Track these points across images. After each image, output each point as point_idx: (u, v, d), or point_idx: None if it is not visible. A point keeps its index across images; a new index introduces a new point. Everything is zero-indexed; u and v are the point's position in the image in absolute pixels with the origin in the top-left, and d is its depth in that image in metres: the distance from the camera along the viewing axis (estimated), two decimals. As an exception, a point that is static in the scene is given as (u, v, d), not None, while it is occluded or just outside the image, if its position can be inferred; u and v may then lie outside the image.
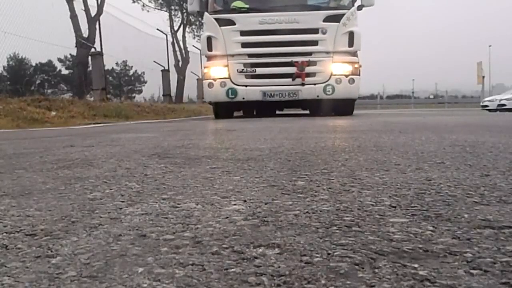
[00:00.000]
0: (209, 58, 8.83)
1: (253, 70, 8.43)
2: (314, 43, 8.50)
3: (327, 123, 4.77)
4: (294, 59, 8.36)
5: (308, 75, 8.41)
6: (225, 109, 9.11)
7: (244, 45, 8.49)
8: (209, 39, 8.60)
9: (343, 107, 8.75)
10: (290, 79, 8.35)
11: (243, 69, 8.42)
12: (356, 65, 8.60)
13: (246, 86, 8.40)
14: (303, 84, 8.33)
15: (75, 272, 0.58)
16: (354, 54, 8.75)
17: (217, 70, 8.55)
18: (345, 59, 8.53)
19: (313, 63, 8.44)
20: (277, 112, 12.58)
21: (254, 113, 11.91)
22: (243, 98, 8.42)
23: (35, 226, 0.81)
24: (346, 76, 8.45)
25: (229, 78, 8.46)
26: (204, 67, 8.87)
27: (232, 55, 8.48)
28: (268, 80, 8.39)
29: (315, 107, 10.69)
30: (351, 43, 8.54)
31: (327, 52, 8.51)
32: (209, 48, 8.64)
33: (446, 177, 1.22)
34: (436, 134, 2.81)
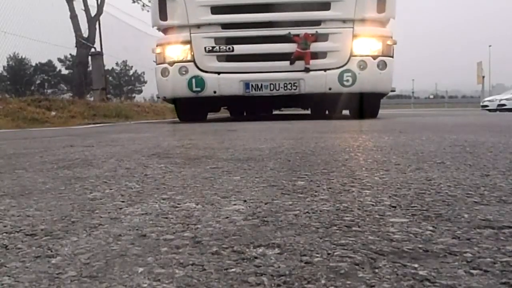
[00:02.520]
0: (163, 31, 6.04)
1: (229, 49, 5.57)
2: (325, 6, 5.56)
3: (330, 124, 4.76)
4: (294, 31, 5.49)
5: (315, 55, 5.55)
6: (191, 109, 6.20)
7: (216, 10, 5.60)
8: (162, 1, 5.68)
9: (366, 105, 5.81)
10: (287, 63, 5.51)
11: (213, 47, 5.58)
12: (389, 41, 5.61)
13: (218, 73, 5.57)
14: (307, 70, 5.48)
15: (75, 272, 0.58)
16: (386, 23, 5.80)
17: (175, 50, 5.70)
18: (373, 32, 5.57)
19: (323, 37, 5.56)
20: (274, 112, 10.38)
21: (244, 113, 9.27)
22: (215, 92, 5.57)
23: (35, 226, 0.81)
24: (374, 57, 5.50)
25: (193, 61, 5.60)
26: (156, 46, 5.87)
27: (198, 26, 5.60)
28: (253, 64, 5.51)
29: (322, 105, 8.16)
30: (381, 7, 5.54)
31: (345, 21, 5.54)
32: (162, 15, 5.71)
33: (446, 177, 1.22)
34: (436, 134, 2.81)
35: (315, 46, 5.56)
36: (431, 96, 41.34)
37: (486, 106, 19.85)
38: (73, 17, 12.95)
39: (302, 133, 3.18)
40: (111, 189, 1.15)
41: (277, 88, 5.55)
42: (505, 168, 1.36)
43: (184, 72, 5.66)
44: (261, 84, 5.54)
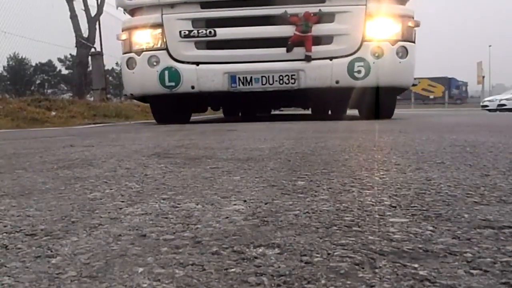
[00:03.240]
0: (130, 13, 5.01)
1: (210, 33, 4.54)
2: None
3: (331, 124, 4.76)
4: (291, 9, 4.50)
5: (319, 40, 4.56)
6: (168, 109, 5.17)
7: None
8: None
9: (382, 102, 4.73)
10: (283, 50, 4.52)
11: (191, 32, 4.56)
12: (410, 23, 4.60)
13: (197, 63, 4.57)
14: (308, 59, 4.47)
15: (75, 272, 0.58)
16: (405, 0, 4.82)
17: (143, 35, 4.73)
18: (391, 11, 4.54)
19: (328, 18, 4.54)
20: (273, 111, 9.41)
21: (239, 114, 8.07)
22: (193, 88, 4.60)
23: (35, 226, 0.81)
24: (393, 42, 4.49)
25: (165, 48, 4.62)
26: (122, 31, 4.94)
27: (171, 5, 4.61)
28: (240, 51, 4.53)
29: (326, 103, 6.94)
30: None
31: None
32: None
33: (446, 177, 1.22)
34: (436, 134, 2.81)
35: (318, 29, 4.50)
36: (431, 96, 41.40)
37: (486, 106, 19.86)
38: (73, 17, 12.96)
39: (302, 133, 3.18)
40: (111, 189, 1.15)
41: (271, 82, 4.44)
42: (505, 168, 1.36)
43: (154, 63, 4.64)
44: (251, 77, 4.45)
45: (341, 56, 4.51)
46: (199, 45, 4.67)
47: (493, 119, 6.09)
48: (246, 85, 4.53)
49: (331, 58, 4.52)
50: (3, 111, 6.54)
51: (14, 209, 0.95)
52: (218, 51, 4.63)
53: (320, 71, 4.51)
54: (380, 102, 4.73)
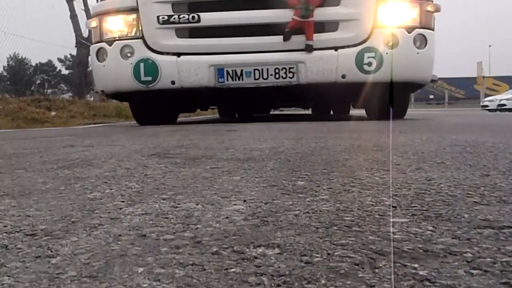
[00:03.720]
0: None
1: (193, 18, 3.93)
2: None
3: (332, 126, 4.75)
4: None
5: (322, 27, 3.98)
6: (149, 108, 4.54)
7: None
8: None
9: (394, 100, 4.19)
10: (279, 38, 3.93)
11: (171, 17, 3.96)
12: (429, 7, 4.03)
13: (178, 54, 3.99)
14: (309, 49, 3.90)
15: (75, 272, 0.58)
16: None
17: (115, 22, 4.12)
18: None
19: (333, 0, 3.96)
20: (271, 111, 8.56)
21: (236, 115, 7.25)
22: (173, 84, 4.00)
23: (35, 226, 0.81)
24: (409, 29, 3.91)
25: (141, 37, 4.02)
26: (92, 17, 4.45)
27: None
28: (229, 40, 3.95)
29: (328, 102, 5.98)
30: None
31: None
32: None
33: (446, 177, 1.22)
34: (436, 134, 2.81)
35: (321, 13, 3.92)
36: (431, 96, 41.44)
37: (486, 106, 19.87)
38: (73, 17, 12.97)
39: (302, 133, 3.18)
40: (111, 189, 1.15)
41: (265, 77, 3.81)
42: (505, 168, 1.36)
43: (128, 54, 4.01)
44: (241, 71, 3.82)
45: (348, 46, 3.90)
46: (180, 33, 4.05)
47: (493, 119, 6.09)
48: (235, 80, 3.90)
49: (336, 48, 3.92)
50: (3, 111, 6.54)
51: (14, 209, 0.95)
52: (202, 39, 4.01)
53: (323, 64, 3.89)
54: (396, 99, 4.18)
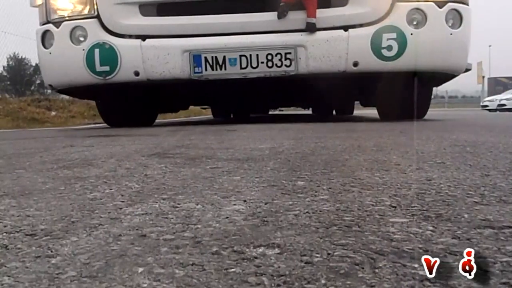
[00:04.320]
0: None
1: None
2: None
3: (332, 126, 4.74)
4: None
5: (327, 1, 3.17)
6: (119, 107, 3.85)
7: None
8: None
9: (419, 95, 3.26)
10: (272, 15, 3.12)
11: None
12: None
13: (143, 38, 3.21)
14: (310, 28, 3.07)
15: (75, 272, 0.58)
16: None
17: None
18: None
19: None
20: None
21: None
22: (137, 75, 3.24)
23: (35, 226, 0.81)
24: (440, 4, 3.06)
25: (96, 16, 3.25)
26: None
27: None
28: (207, 18, 3.16)
29: (332, 99, 4.85)
30: None
31: None
32: None
33: (446, 177, 1.22)
34: (436, 134, 2.81)
35: None
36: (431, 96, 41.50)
37: (486, 106, 19.88)
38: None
39: (302, 133, 3.18)
40: (111, 189, 1.15)
41: (254, 65, 3.00)
42: (505, 168, 1.36)
43: (80, 38, 3.22)
44: (224, 57, 3.01)
45: (362, 25, 3.05)
46: (145, 10, 3.20)
47: (493, 119, 6.09)
48: (216, 70, 3.08)
49: (346, 28, 3.05)
50: (3, 111, 6.54)
51: (14, 209, 0.95)
52: (174, 18, 3.19)
53: (330, 48, 3.04)
54: (420, 95, 3.32)
